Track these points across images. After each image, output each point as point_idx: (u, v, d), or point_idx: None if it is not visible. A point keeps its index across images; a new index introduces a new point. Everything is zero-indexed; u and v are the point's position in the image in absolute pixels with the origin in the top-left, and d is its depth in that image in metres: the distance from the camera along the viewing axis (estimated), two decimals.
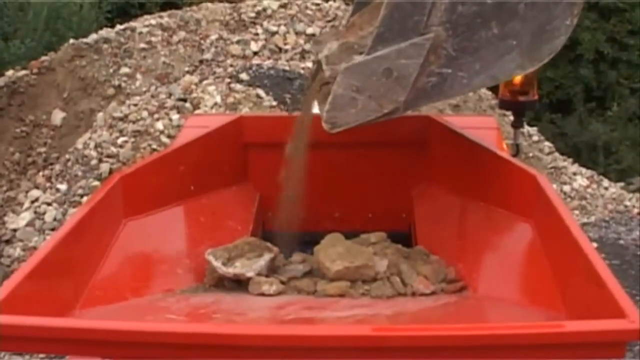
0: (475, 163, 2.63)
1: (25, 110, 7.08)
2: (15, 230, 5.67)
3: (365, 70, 2.18)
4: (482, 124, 3.26)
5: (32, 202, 5.94)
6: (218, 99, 6.41)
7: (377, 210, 3.02)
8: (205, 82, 6.75)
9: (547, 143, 8.38)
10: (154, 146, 5.99)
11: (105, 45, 7.36)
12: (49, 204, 5.82)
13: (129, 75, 7.25)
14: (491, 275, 2.31)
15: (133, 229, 2.41)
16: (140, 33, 7.63)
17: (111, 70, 7.23)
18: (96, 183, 5.75)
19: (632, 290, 4.86)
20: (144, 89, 7.04)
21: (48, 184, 6.20)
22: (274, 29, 7.78)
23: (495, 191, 2.49)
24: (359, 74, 2.18)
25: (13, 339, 1.64)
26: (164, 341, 1.62)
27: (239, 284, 2.36)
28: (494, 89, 5.50)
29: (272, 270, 2.40)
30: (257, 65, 7.01)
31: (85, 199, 5.58)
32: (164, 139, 6.03)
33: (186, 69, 7.41)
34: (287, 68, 7.01)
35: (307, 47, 7.36)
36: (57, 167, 6.32)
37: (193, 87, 6.65)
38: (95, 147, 6.09)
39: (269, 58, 7.39)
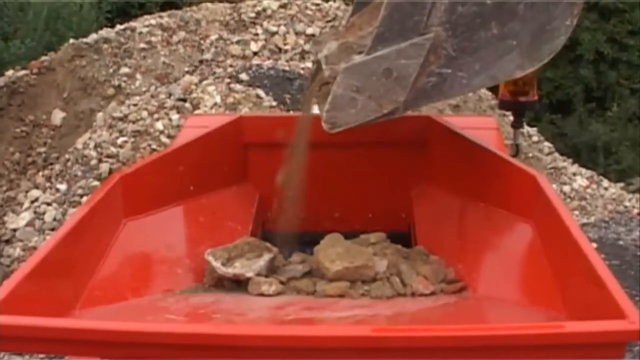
0: (475, 163, 2.63)
1: (25, 110, 7.08)
2: (15, 230, 5.67)
3: (365, 70, 2.18)
4: (482, 124, 3.26)
5: (32, 202, 5.94)
6: (218, 99, 6.40)
7: (376, 211, 3.02)
8: (205, 82, 6.75)
9: (546, 143, 8.38)
10: (154, 146, 5.99)
11: (105, 45, 7.36)
12: (48, 204, 5.82)
13: (128, 75, 7.25)
14: (491, 276, 2.31)
15: (133, 229, 2.40)
16: (140, 33, 7.63)
17: (111, 70, 7.23)
18: (96, 183, 5.75)
19: (631, 291, 4.86)
20: (143, 89, 7.04)
21: (48, 184, 6.20)
22: (274, 29, 7.78)
23: (495, 191, 2.49)
24: (358, 74, 2.18)
25: (13, 339, 1.64)
26: (163, 341, 1.62)
27: (239, 284, 2.36)
28: (493, 90, 5.49)
29: (271, 270, 2.40)
30: (257, 65, 7.01)
31: (85, 199, 5.57)
32: (164, 139, 6.03)
33: (186, 69, 7.41)
34: (287, 68, 7.01)
35: (307, 47, 7.36)
36: (57, 167, 6.32)
37: (193, 87, 6.64)
38: (95, 147, 6.09)
39: (268, 58, 7.39)
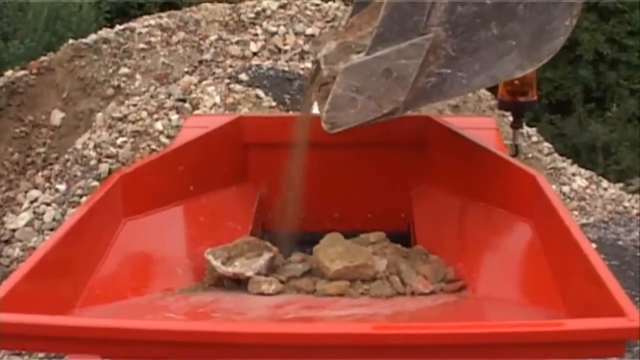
0: (474, 163, 2.63)
1: (24, 111, 7.08)
2: (14, 230, 5.67)
3: (365, 70, 2.18)
4: (482, 124, 3.26)
5: (31, 202, 5.94)
6: (217, 99, 6.41)
7: (376, 210, 3.03)
8: (204, 82, 6.75)
9: (546, 144, 8.38)
10: (153, 146, 5.99)
11: (105, 46, 7.36)
12: (48, 204, 5.82)
13: (128, 75, 7.25)
14: (490, 275, 2.31)
15: (132, 229, 2.41)
16: (140, 33, 7.63)
17: (110, 71, 7.23)
18: (95, 183, 5.75)
19: (631, 291, 4.86)
20: (143, 89, 7.04)
21: (47, 184, 6.19)
22: (274, 29, 7.78)
23: (494, 191, 2.49)
24: (358, 74, 2.19)
25: (13, 337, 1.64)
26: (163, 339, 1.62)
27: (238, 283, 2.36)
28: (493, 90, 5.50)
29: (271, 269, 2.41)
30: (257, 65, 7.01)
31: (84, 199, 5.57)
32: (163, 139, 6.03)
33: (185, 69, 7.41)
34: (286, 68, 7.01)
35: (307, 47, 7.37)
36: (56, 167, 6.32)
37: (192, 87, 6.65)
38: (95, 147, 6.09)
39: (268, 58, 7.40)
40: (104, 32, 7.69)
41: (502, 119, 6.62)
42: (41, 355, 4.55)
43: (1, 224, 5.84)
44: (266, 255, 2.41)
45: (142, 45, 7.50)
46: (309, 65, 6.93)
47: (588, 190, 7.76)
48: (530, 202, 2.28)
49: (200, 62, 7.45)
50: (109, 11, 10.51)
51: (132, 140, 6.07)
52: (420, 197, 2.91)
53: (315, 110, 2.51)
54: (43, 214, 5.75)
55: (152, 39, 7.60)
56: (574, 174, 8.00)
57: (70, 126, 7.00)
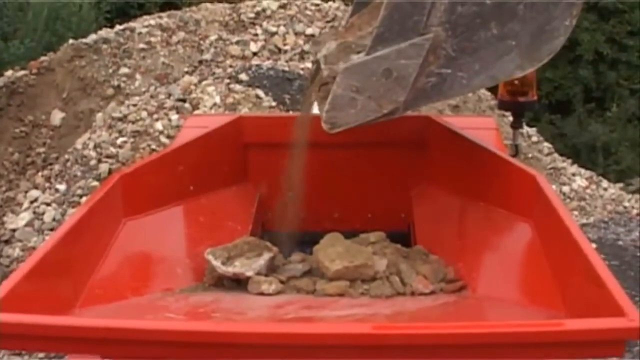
0: (474, 163, 2.63)
1: (24, 111, 7.08)
2: (14, 230, 5.67)
3: (365, 70, 2.18)
4: (482, 124, 3.26)
5: (31, 202, 5.94)
6: (217, 99, 6.41)
7: (376, 210, 3.03)
8: (204, 82, 6.75)
9: (546, 144, 8.38)
10: (153, 146, 5.99)
11: (105, 46, 7.36)
12: (48, 204, 5.82)
13: (128, 75, 7.24)
14: (490, 275, 2.31)
15: (132, 229, 2.41)
16: (140, 33, 7.63)
17: (110, 71, 7.23)
18: (95, 183, 5.75)
19: (631, 292, 4.86)
20: (143, 89, 7.04)
21: (47, 184, 6.19)
22: (274, 29, 7.78)
23: (494, 191, 2.49)
24: (358, 74, 2.19)
25: (13, 337, 1.64)
26: (163, 339, 1.62)
27: (238, 283, 2.36)
28: (493, 90, 5.50)
29: (271, 269, 2.41)
30: (257, 65, 7.01)
31: (84, 199, 5.57)
32: (163, 139, 6.03)
33: (185, 69, 7.41)
34: (286, 69, 7.01)
35: (307, 47, 7.36)
36: (56, 167, 6.32)
37: (192, 87, 6.65)
38: (95, 147, 6.09)
39: (268, 59, 7.40)
40: (104, 32, 7.69)
41: (502, 119, 6.62)
42: (41, 355, 4.55)
43: (1, 224, 5.84)
44: (266, 255, 2.41)
45: (142, 45, 7.50)
46: (309, 65, 6.93)
47: (588, 190, 7.76)
48: (530, 202, 2.28)
49: (200, 62, 7.45)
50: (109, 11, 10.51)
51: (132, 140, 6.07)
52: (420, 197, 2.91)
53: (315, 110, 2.51)
54: (43, 214, 5.75)
55: (152, 39, 7.60)
56: (574, 174, 8.00)
57: (70, 126, 7.00)
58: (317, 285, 2.32)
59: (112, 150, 6.02)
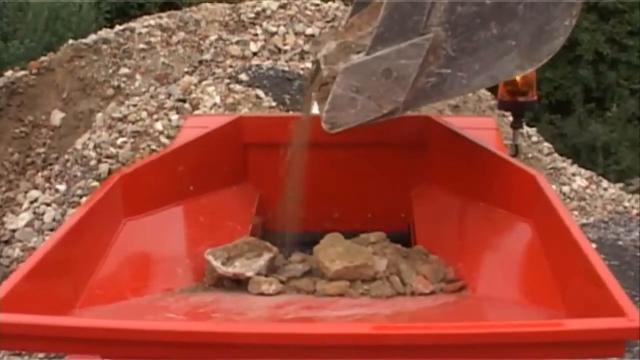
0: (474, 163, 2.63)
1: (24, 111, 7.08)
2: (14, 230, 5.67)
3: (365, 70, 2.18)
4: (482, 124, 3.26)
5: (31, 202, 5.93)
6: (217, 99, 6.40)
7: (376, 210, 3.03)
8: (204, 82, 6.75)
9: (546, 144, 8.38)
10: (153, 147, 5.99)
11: (105, 46, 7.36)
12: (48, 205, 5.82)
13: (128, 75, 7.24)
14: (490, 275, 2.32)
15: (132, 229, 2.41)
16: (140, 34, 7.63)
17: (110, 71, 7.23)
18: (95, 183, 5.75)
19: (631, 292, 4.86)
20: (143, 89, 7.04)
21: (47, 185, 6.19)
22: (274, 29, 7.78)
23: (494, 191, 2.49)
24: (358, 74, 2.19)
25: (13, 337, 1.64)
26: (163, 340, 1.62)
27: (239, 283, 2.36)
28: (493, 90, 5.50)
29: (271, 269, 2.41)
30: (257, 65, 7.01)
31: (84, 199, 5.57)
32: (163, 139, 6.03)
33: (185, 69, 7.41)
34: (286, 69, 7.01)
35: (307, 47, 7.36)
36: (56, 167, 6.32)
37: (192, 87, 6.64)
38: (95, 147, 6.09)
39: (268, 59, 7.39)
40: (104, 32, 7.69)
41: (502, 119, 6.62)
42: (41, 355, 4.54)
43: (1, 224, 5.84)
44: (266, 256, 2.41)
45: (142, 46, 7.50)
46: (309, 65, 6.93)
47: (588, 190, 7.76)
48: (530, 202, 2.28)
49: (200, 62, 7.45)
50: (109, 11, 10.52)
51: (132, 140, 6.07)
52: (420, 197, 2.91)
53: (315, 110, 2.51)
54: (43, 214, 5.75)
55: (152, 39, 7.60)
56: (574, 174, 8.00)
57: (70, 126, 7.00)
58: (317, 286, 2.32)
59: (112, 150, 6.02)
